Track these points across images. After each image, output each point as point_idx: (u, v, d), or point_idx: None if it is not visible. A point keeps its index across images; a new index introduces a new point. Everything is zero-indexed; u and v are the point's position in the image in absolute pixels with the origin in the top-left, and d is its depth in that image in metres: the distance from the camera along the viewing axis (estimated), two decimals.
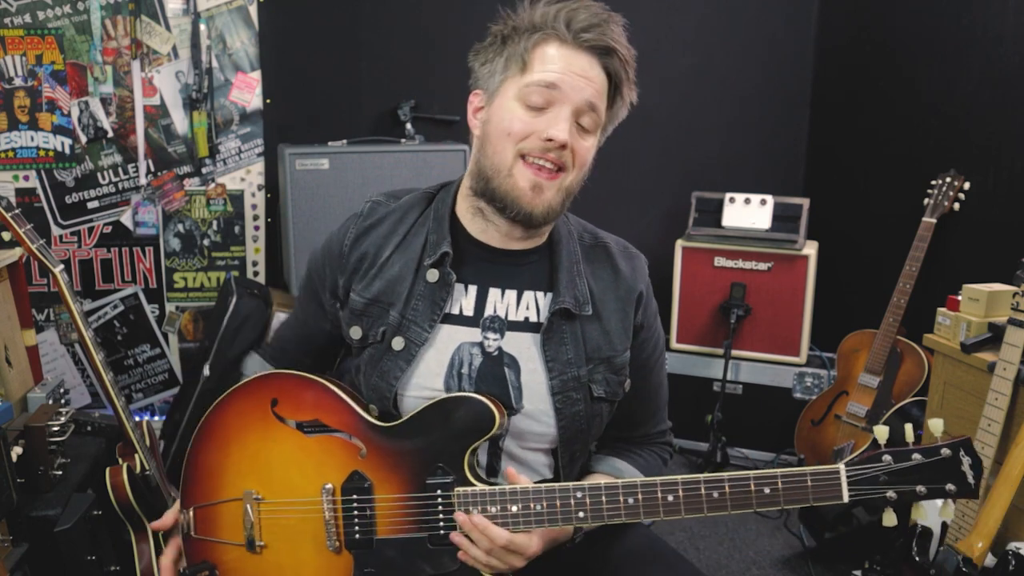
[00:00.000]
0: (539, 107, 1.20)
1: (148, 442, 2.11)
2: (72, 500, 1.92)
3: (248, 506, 1.27)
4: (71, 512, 1.88)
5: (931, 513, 2.08)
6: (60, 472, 1.96)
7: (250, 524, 1.27)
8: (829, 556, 2.58)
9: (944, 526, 2.02)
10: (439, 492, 1.20)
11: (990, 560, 1.82)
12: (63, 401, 2.33)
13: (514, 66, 1.22)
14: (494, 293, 1.30)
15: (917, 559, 2.02)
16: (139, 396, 3.35)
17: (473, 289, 1.30)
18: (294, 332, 1.48)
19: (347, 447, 1.25)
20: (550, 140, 1.18)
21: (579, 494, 1.14)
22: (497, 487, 1.18)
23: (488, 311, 1.29)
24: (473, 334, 1.28)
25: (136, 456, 2.02)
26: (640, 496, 1.12)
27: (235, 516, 1.28)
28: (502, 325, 1.29)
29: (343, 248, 1.33)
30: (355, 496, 1.23)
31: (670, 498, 1.11)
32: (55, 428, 1.94)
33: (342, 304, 1.34)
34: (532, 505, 1.15)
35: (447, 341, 1.28)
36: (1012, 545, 1.77)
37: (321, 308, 1.38)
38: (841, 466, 1.07)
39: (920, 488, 1.07)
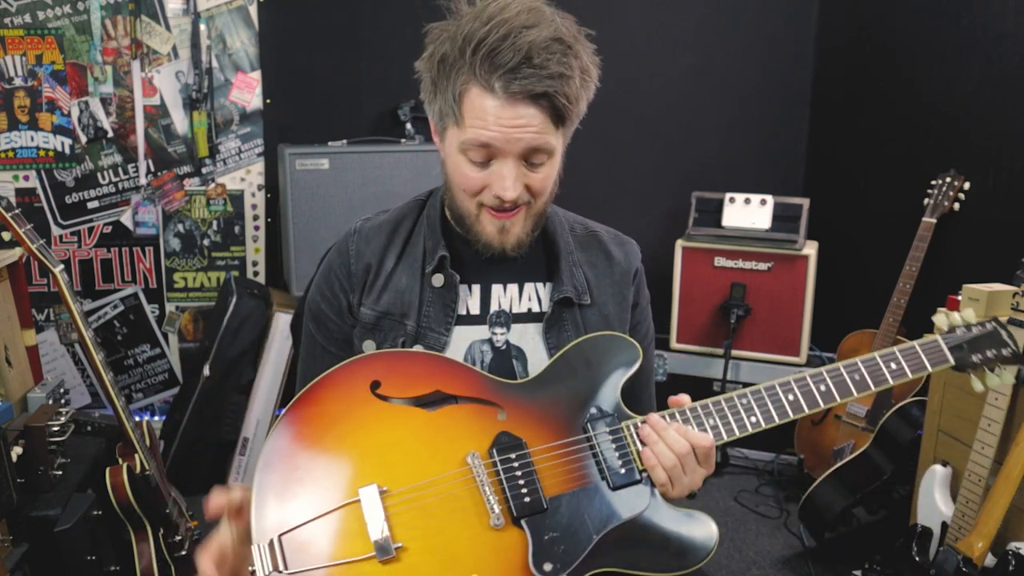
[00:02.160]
0: (482, 162, 1.16)
1: (148, 442, 2.12)
2: (72, 500, 1.92)
3: (371, 504, 1.03)
4: (71, 512, 1.88)
5: (931, 513, 2.09)
6: (60, 472, 1.96)
7: (381, 523, 1.02)
8: (829, 556, 2.58)
9: (944, 526, 2.02)
10: (607, 430, 1.13)
11: (990, 560, 1.82)
12: (63, 401, 2.34)
13: (449, 115, 1.16)
14: (496, 288, 1.31)
15: (917, 559, 2.02)
16: (139, 396, 3.35)
17: (476, 288, 1.31)
18: (313, 377, 1.27)
19: (481, 412, 1.13)
20: (499, 198, 1.17)
21: (744, 400, 1.15)
22: (665, 411, 1.15)
23: (493, 306, 1.30)
24: (481, 331, 1.29)
25: (136, 456, 2.02)
26: (797, 390, 1.16)
27: (352, 524, 1.03)
28: (507, 319, 1.30)
29: (350, 266, 1.31)
30: (512, 455, 1.09)
31: (823, 387, 1.16)
32: (55, 428, 1.94)
33: (356, 322, 1.32)
34: (705, 420, 1.14)
35: (460, 342, 1.29)
36: (1012, 545, 1.77)
37: (344, 341, 1.33)
38: (938, 337, 1.20)
39: (990, 352, 1.22)
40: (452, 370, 1.17)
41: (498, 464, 1.09)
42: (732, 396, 1.16)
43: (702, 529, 1.12)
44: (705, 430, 1.14)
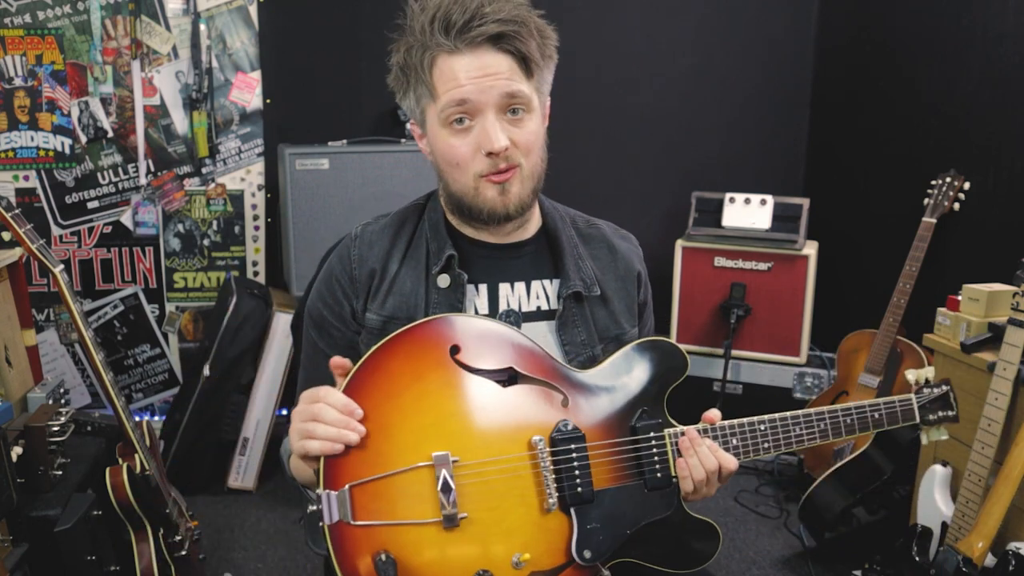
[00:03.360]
0: (465, 125, 1.19)
1: (148, 442, 2.12)
2: (72, 500, 1.92)
3: (444, 471, 1.07)
4: (71, 512, 1.88)
5: (931, 513, 2.09)
6: (60, 472, 1.96)
7: (451, 491, 1.07)
8: (829, 556, 2.58)
9: (944, 526, 2.02)
10: (652, 435, 1.21)
11: (990, 560, 1.82)
12: (63, 401, 2.34)
13: (425, 96, 1.21)
14: (504, 288, 1.31)
15: (917, 559, 2.02)
16: (139, 396, 3.35)
17: (483, 288, 1.31)
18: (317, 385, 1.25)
19: (547, 396, 1.18)
20: (491, 153, 1.19)
21: (763, 427, 1.27)
22: (706, 424, 1.24)
23: (502, 306, 1.31)
24: None
25: (136, 456, 2.02)
26: (804, 425, 1.30)
27: (421, 487, 1.07)
28: (517, 318, 1.31)
29: (352, 272, 1.31)
30: (572, 446, 1.16)
31: (822, 425, 1.30)
32: (55, 428, 1.94)
33: (360, 328, 1.32)
34: (729, 440, 1.25)
35: None
36: (1012, 545, 1.77)
37: (347, 347, 1.32)
38: (912, 396, 1.37)
39: (940, 412, 1.38)
40: (524, 348, 1.20)
41: (560, 453, 1.15)
42: (755, 422, 1.28)
43: (711, 535, 1.26)
44: (729, 450, 1.24)
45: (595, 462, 1.18)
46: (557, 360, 1.22)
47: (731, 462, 1.22)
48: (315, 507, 1.03)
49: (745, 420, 1.27)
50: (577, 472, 1.15)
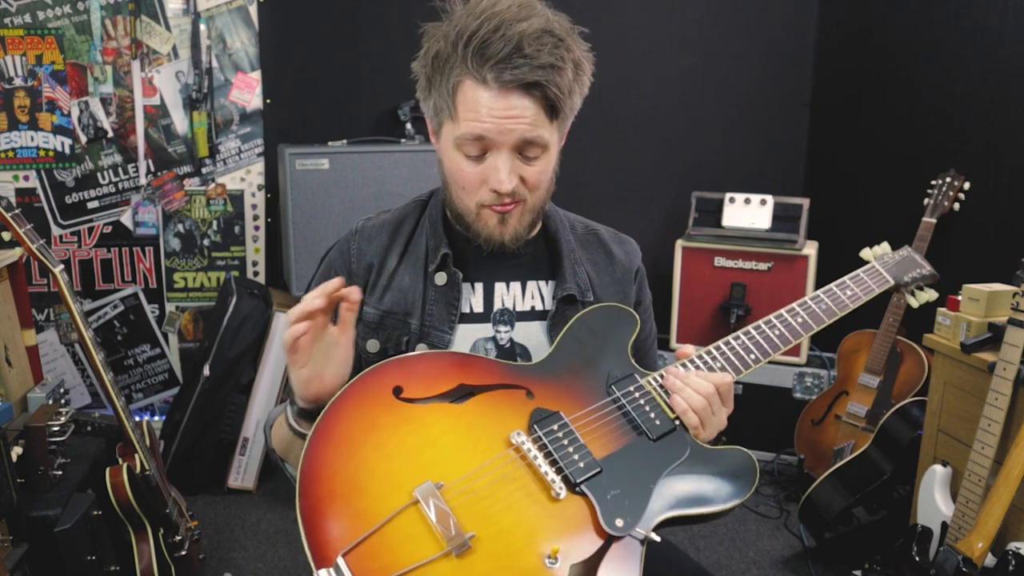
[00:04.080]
0: (477, 156, 1.18)
1: (148, 442, 2.12)
2: (72, 500, 1.92)
3: (431, 500, 1.01)
4: (71, 512, 1.88)
5: (931, 513, 2.09)
6: (60, 472, 1.96)
7: (447, 518, 0.99)
8: (829, 556, 2.58)
9: (944, 526, 2.02)
10: (631, 388, 1.19)
11: (990, 560, 1.82)
12: (63, 401, 2.34)
13: (444, 111, 1.18)
14: (500, 287, 1.32)
15: (917, 559, 2.02)
16: (139, 396, 3.35)
17: (479, 286, 1.32)
18: None
19: (509, 396, 1.15)
20: (495, 191, 1.19)
21: (739, 341, 1.26)
22: (680, 361, 1.23)
23: (497, 305, 1.32)
24: (485, 329, 1.31)
25: (136, 456, 2.02)
26: (779, 325, 1.28)
27: (417, 527, 1.00)
28: (511, 317, 1.31)
29: (351, 266, 1.32)
30: (555, 427, 1.12)
31: (799, 319, 1.30)
32: (55, 428, 1.94)
33: (356, 321, 1.33)
34: (712, 364, 1.23)
35: (463, 340, 1.30)
36: (1012, 545, 1.77)
37: None
38: (873, 262, 1.42)
39: (914, 272, 1.41)
40: (468, 363, 1.19)
41: (543, 437, 1.11)
42: (728, 339, 1.26)
43: (741, 457, 1.20)
44: (715, 371, 1.22)
45: (585, 433, 1.13)
46: (502, 361, 1.21)
47: (725, 377, 1.19)
48: None
49: (720, 341, 1.25)
50: (571, 449, 1.11)
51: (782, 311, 1.30)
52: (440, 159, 1.26)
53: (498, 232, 1.23)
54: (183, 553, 2.11)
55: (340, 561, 0.95)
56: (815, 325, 1.30)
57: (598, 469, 1.10)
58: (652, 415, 1.17)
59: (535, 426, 1.12)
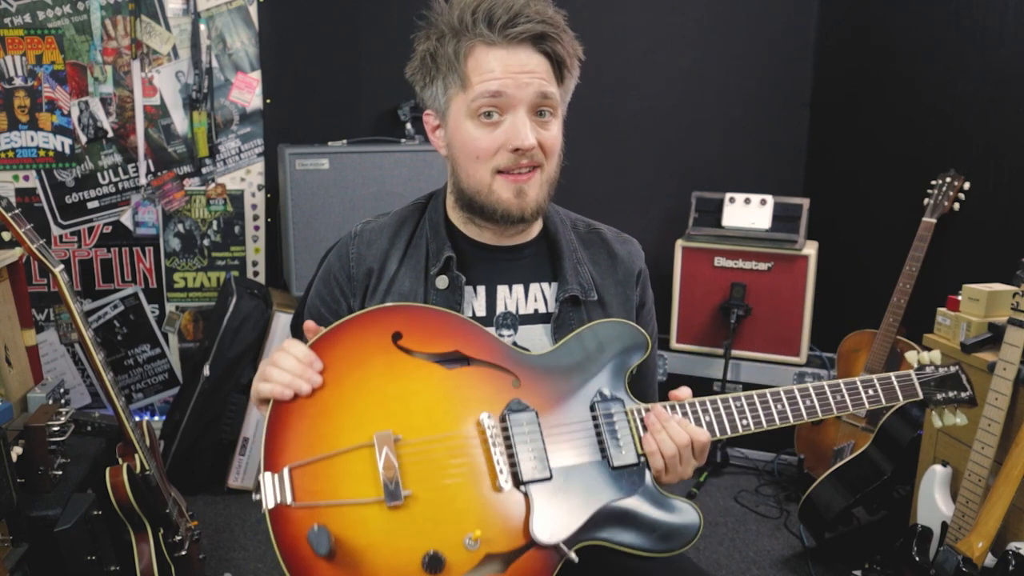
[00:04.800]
0: (493, 121, 1.19)
1: (148, 442, 2.12)
2: (72, 500, 1.92)
3: (386, 449, 1.05)
4: (71, 512, 1.88)
5: (931, 513, 2.09)
6: (60, 472, 1.96)
7: (393, 469, 1.04)
8: (829, 556, 2.58)
9: (944, 526, 2.02)
10: (612, 412, 1.18)
11: (990, 560, 1.82)
12: (63, 401, 2.34)
13: (454, 85, 1.20)
14: (502, 290, 1.31)
15: (917, 559, 2.02)
16: (139, 396, 3.35)
17: (481, 289, 1.31)
18: None
19: (496, 377, 1.16)
20: (518, 150, 1.19)
21: (738, 403, 1.22)
22: (670, 402, 1.21)
23: (500, 308, 1.31)
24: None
25: (136, 456, 2.02)
26: (785, 402, 1.23)
27: (364, 466, 1.05)
28: (515, 320, 1.31)
29: (350, 269, 1.32)
30: (524, 423, 1.13)
31: (807, 402, 1.24)
32: (55, 428, 1.94)
33: None
34: (701, 417, 1.21)
35: None
36: (1012, 545, 1.77)
37: None
38: (912, 372, 1.31)
39: (952, 393, 1.31)
40: (471, 332, 1.19)
41: (511, 428, 1.13)
42: (728, 398, 1.23)
43: (687, 517, 1.18)
44: (701, 426, 1.19)
45: (551, 439, 1.14)
46: (505, 343, 1.21)
47: (703, 435, 1.17)
48: (256, 496, 1.03)
49: (718, 396, 1.23)
50: (530, 448, 1.12)
51: (793, 388, 1.25)
52: (449, 143, 1.26)
53: (516, 206, 1.22)
54: (183, 553, 2.11)
55: (286, 472, 1.03)
56: (821, 413, 1.24)
57: (548, 475, 1.11)
58: (620, 444, 1.17)
59: (507, 415, 1.13)
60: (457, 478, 1.08)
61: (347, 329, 1.14)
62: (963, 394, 1.31)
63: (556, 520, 1.09)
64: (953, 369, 1.31)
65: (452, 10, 1.19)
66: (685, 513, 1.18)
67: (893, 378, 1.28)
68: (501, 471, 1.09)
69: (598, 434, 1.17)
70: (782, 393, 1.24)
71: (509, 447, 1.12)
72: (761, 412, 1.22)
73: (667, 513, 1.17)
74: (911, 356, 1.33)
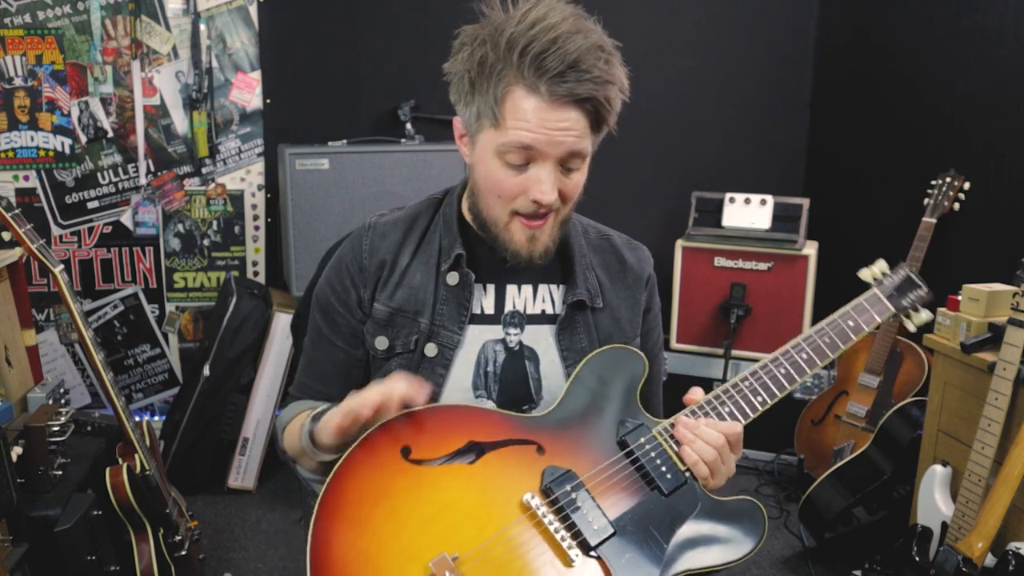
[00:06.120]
0: (519, 166, 1.16)
1: (148, 442, 2.12)
2: (72, 500, 1.92)
3: (447, 573, 0.99)
4: (71, 512, 1.88)
5: (931, 513, 2.09)
6: (60, 472, 1.96)
7: None
8: (829, 556, 2.58)
9: (944, 526, 2.02)
10: (643, 440, 1.17)
11: (990, 560, 1.82)
12: (63, 401, 2.34)
13: (487, 118, 1.15)
14: (511, 289, 1.32)
15: (917, 559, 2.02)
16: (139, 396, 3.35)
17: (491, 288, 1.31)
18: (327, 375, 1.34)
19: (520, 452, 1.13)
20: (536, 202, 1.17)
21: (747, 383, 1.24)
22: (692, 407, 1.21)
23: (508, 307, 1.31)
24: (495, 331, 1.30)
25: (136, 456, 2.02)
26: (785, 363, 1.26)
27: None
28: (521, 320, 1.31)
29: (363, 261, 1.31)
30: (568, 487, 1.09)
31: (804, 355, 1.27)
32: (55, 428, 1.94)
33: (366, 317, 1.32)
34: (721, 410, 1.21)
35: (473, 342, 1.30)
36: (1012, 545, 1.77)
37: (350, 335, 1.33)
38: (875, 289, 1.36)
39: (912, 295, 1.37)
40: (476, 417, 1.17)
41: (559, 499, 1.09)
42: (736, 382, 1.24)
43: (749, 511, 1.19)
44: (725, 418, 1.20)
45: (599, 493, 1.12)
46: (513, 414, 1.19)
47: (735, 427, 1.18)
48: None
49: (728, 384, 1.24)
50: (585, 510, 1.09)
51: (787, 347, 1.28)
52: (472, 164, 1.23)
53: (526, 249, 1.21)
54: (183, 553, 2.11)
55: None
56: (819, 360, 1.27)
57: (612, 531, 1.09)
58: (664, 468, 1.15)
59: (550, 487, 1.10)
60: (528, 572, 1.04)
61: (353, 464, 1.07)
62: (921, 291, 1.37)
63: (637, 569, 1.07)
64: (904, 272, 1.37)
65: (506, 25, 1.11)
66: (745, 509, 1.18)
67: (863, 301, 1.34)
68: (569, 546, 1.06)
69: (638, 468, 1.16)
70: (780, 356, 1.27)
71: (565, 518, 1.08)
72: (770, 383, 1.25)
73: (730, 516, 1.17)
74: (863, 273, 1.40)
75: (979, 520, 1.84)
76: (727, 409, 1.21)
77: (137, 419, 2.11)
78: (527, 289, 1.32)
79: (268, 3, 3.15)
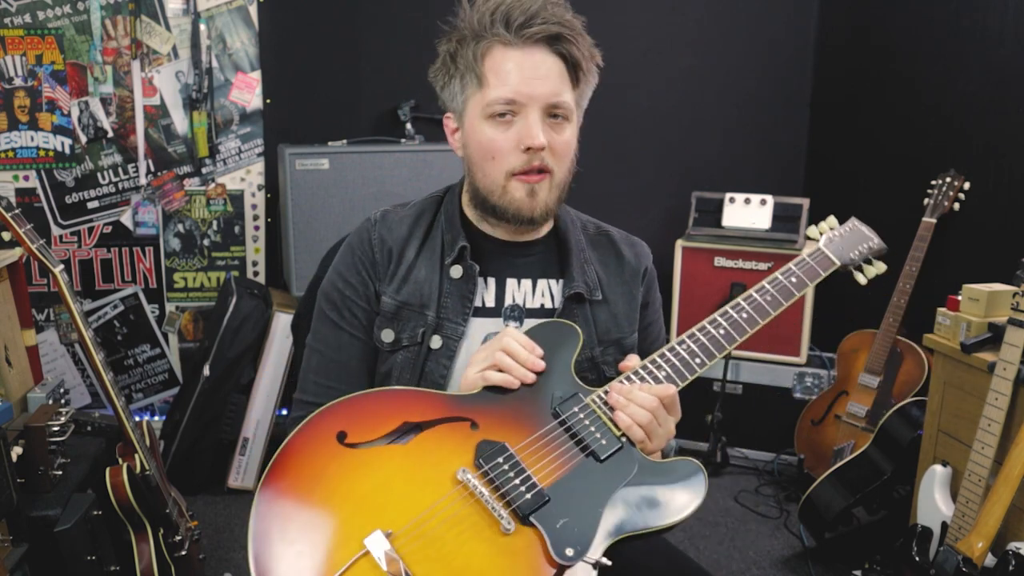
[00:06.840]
0: (508, 119, 1.22)
1: (148, 442, 2.12)
2: (72, 500, 1.92)
3: (382, 548, 1.01)
4: (71, 512, 1.88)
5: (931, 513, 2.09)
6: (60, 472, 1.96)
7: (398, 565, 0.99)
8: (829, 556, 2.58)
9: (944, 526, 2.02)
10: (576, 409, 1.18)
11: (990, 560, 1.82)
12: (63, 401, 2.34)
13: (471, 84, 1.24)
14: (511, 283, 1.34)
15: (917, 559, 2.02)
16: (139, 396, 3.35)
17: (492, 281, 1.34)
18: (353, 371, 1.34)
19: (453, 429, 1.15)
20: (529, 148, 1.21)
21: (684, 346, 1.25)
22: (621, 376, 1.22)
23: (508, 300, 1.34)
24: (496, 324, 1.33)
25: (136, 456, 2.02)
26: (724, 323, 1.28)
27: None
28: (521, 313, 1.34)
29: (374, 255, 1.33)
30: (500, 459, 1.11)
31: (744, 314, 1.29)
32: (55, 428, 1.94)
33: (376, 311, 1.33)
34: (658, 374, 1.22)
35: (476, 335, 1.32)
36: (1012, 545, 1.77)
37: (370, 327, 1.33)
38: (819, 244, 1.36)
39: (862, 247, 1.38)
40: (411, 398, 1.19)
41: (489, 472, 1.10)
42: (673, 345, 1.26)
43: (688, 469, 1.17)
44: (661, 382, 1.21)
45: (531, 462, 1.12)
46: (445, 393, 1.20)
47: (668, 389, 1.19)
48: None
49: (665, 348, 1.25)
50: (517, 481, 1.09)
51: (726, 307, 1.30)
52: (465, 144, 1.29)
53: (528, 206, 1.25)
54: (183, 553, 2.11)
55: None
56: (760, 319, 1.28)
57: (546, 499, 1.09)
58: (598, 435, 1.16)
59: (480, 460, 1.11)
60: (462, 543, 1.04)
61: (291, 452, 1.09)
62: (872, 243, 1.37)
63: (573, 535, 1.07)
64: (852, 224, 1.36)
65: (473, 13, 1.23)
66: (684, 467, 1.17)
67: (806, 257, 1.34)
68: (501, 516, 1.06)
69: (572, 436, 1.16)
70: (718, 317, 1.29)
71: (497, 489, 1.09)
72: (709, 344, 1.26)
73: (671, 476, 1.16)
74: (810, 230, 1.38)
75: (979, 520, 1.84)
76: (663, 373, 1.22)
77: (137, 419, 2.11)
78: (527, 283, 1.35)
79: (268, 3, 3.15)
